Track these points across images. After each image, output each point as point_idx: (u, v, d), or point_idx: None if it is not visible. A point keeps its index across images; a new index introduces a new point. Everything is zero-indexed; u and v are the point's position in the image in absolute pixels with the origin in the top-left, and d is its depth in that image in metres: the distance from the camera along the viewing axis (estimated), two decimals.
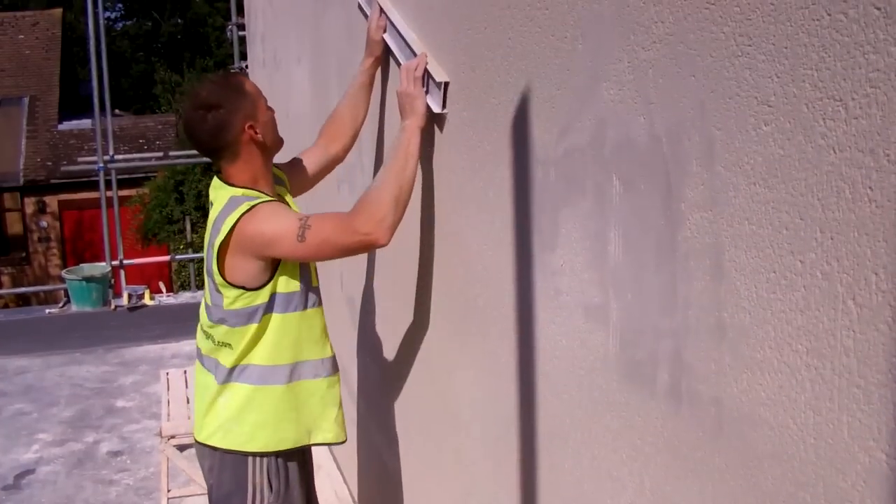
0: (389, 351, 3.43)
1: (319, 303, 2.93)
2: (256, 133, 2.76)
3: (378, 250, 3.50)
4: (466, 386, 2.61)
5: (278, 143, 2.93)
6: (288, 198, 3.01)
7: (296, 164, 3.19)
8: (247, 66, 9.98)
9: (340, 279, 4.34)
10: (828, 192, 1.16)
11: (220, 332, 2.82)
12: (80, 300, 11.29)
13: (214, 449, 2.89)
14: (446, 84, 2.58)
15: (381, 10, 3.12)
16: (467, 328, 2.56)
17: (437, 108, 2.63)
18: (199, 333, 2.95)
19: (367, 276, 3.77)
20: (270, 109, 2.87)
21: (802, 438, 1.23)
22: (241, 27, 11.98)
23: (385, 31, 3.12)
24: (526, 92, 2.03)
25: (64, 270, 12.26)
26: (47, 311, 11.61)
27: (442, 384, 2.83)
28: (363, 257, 3.77)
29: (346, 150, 3.29)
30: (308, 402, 2.90)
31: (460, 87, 2.49)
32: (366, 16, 3.34)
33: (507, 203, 2.18)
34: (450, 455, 2.80)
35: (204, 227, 17.56)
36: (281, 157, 3.03)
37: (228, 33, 15.34)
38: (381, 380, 3.62)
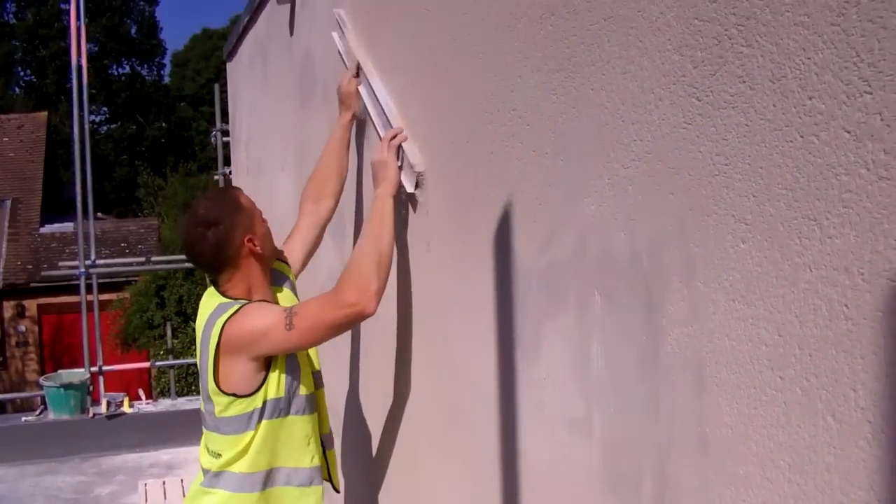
0: (374, 461, 3.40)
1: (308, 411, 2.88)
2: (255, 245, 2.79)
3: (365, 363, 3.49)
4: (450, 497, 2.58)
5: (275, 253, 2.98)
6: (286, 294, 3.01)
7: (291, 246, 3.21)
8: (230, 172, 10.07)
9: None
10: (805, 310, 1.18)
11: (214, 439, 2.80)
12: (58, 408, 11.13)
13: None
14: (420, 174, 2.67)
15: (359, 68, 3.21)
16: (452, 438, 2.55)
17: (409, 188, 2.70)
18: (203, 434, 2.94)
19: (352, 384, 3.75)
20: (265, 221, 2.91)
21: None
22: (226, 133, 12.09)
23: (360, 85, 3.22)
24: (508, 205, 2.07)
25: (42, 377, 12.08)
26: (23, 419, 11.43)
27: (426, 495, 2.80)
28: (346, 367, 3.76)
29: (335, 207, 3.31)
30: None
31: (444, 197, 2.53)
32: (344, 62, 3.42)
33: (490, 314, 2.19)
34: None
35: (184, 333, 17.32)
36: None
37: (212, 139, 15.48)
38: (368, 491, 3.58)
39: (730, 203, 1.31)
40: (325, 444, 3.04)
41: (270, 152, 5.96)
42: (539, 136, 1.90)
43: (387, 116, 2.92)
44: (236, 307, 2.69)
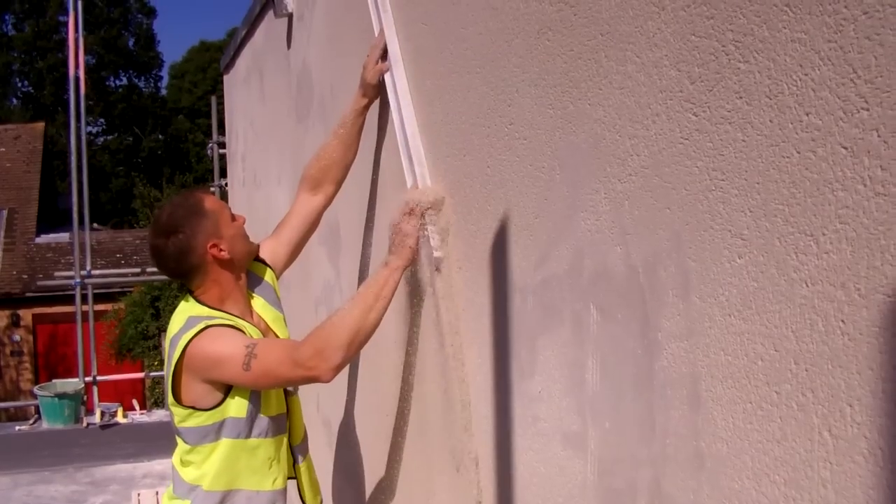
0: (366, 475, 3.39)
1: (273, 433, 2.78)
2: (221, 250, 2.71)
3: (358, 373, 3.48)
4: None
5: (248, 254, 2.86)
6: (260, 303, 2.95)
7: (277, 239, 3.09)
8: (226, 184, 10.06)
9: (317, 400, 4.31)
10: (801, 325, 1.18)
11: (179, 443, 2.77)
12: (52, 417, 11.12)
13: None
14: (440, 260, 2.48)
15: (385, 53, 2.87)
16: (445, 453, 2.54)
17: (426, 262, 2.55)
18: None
19: (346, 397, 3.74)
20: (236, 220, 2.81)
21: None
22: (222, 145, 12.09)
23: (385, 72, 2.88)
24: (504, 219, 2.07)
25: (36, 387, 12.07)
26: (17, 427, 11.41)
27: None
28: (342, 379, 3.75)
29: (334, 195, 3.14)
30: None
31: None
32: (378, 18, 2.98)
33: (485, 329, 2.19)
34: None
35: None
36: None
37: (209, 151, 15.48)
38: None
39: (726, 218, 1.31)
40: (296, 455, 2.96)
41: (266, 165, 5.96)
42: (536, 150, 1.90)
43: (407, 135, 2.71)
44: (202, 326, 2.61)
